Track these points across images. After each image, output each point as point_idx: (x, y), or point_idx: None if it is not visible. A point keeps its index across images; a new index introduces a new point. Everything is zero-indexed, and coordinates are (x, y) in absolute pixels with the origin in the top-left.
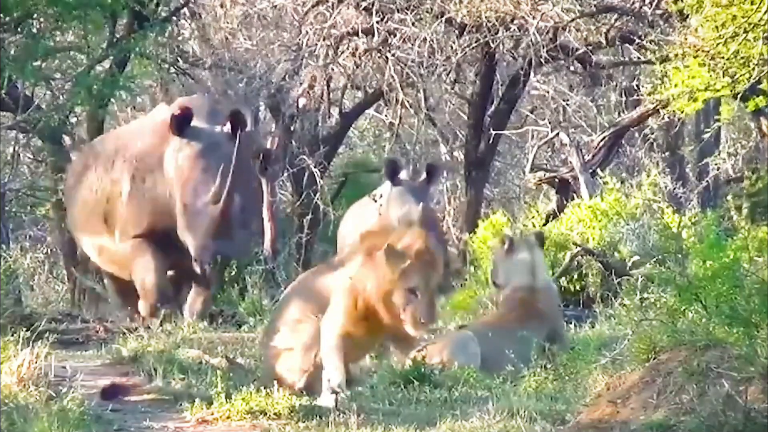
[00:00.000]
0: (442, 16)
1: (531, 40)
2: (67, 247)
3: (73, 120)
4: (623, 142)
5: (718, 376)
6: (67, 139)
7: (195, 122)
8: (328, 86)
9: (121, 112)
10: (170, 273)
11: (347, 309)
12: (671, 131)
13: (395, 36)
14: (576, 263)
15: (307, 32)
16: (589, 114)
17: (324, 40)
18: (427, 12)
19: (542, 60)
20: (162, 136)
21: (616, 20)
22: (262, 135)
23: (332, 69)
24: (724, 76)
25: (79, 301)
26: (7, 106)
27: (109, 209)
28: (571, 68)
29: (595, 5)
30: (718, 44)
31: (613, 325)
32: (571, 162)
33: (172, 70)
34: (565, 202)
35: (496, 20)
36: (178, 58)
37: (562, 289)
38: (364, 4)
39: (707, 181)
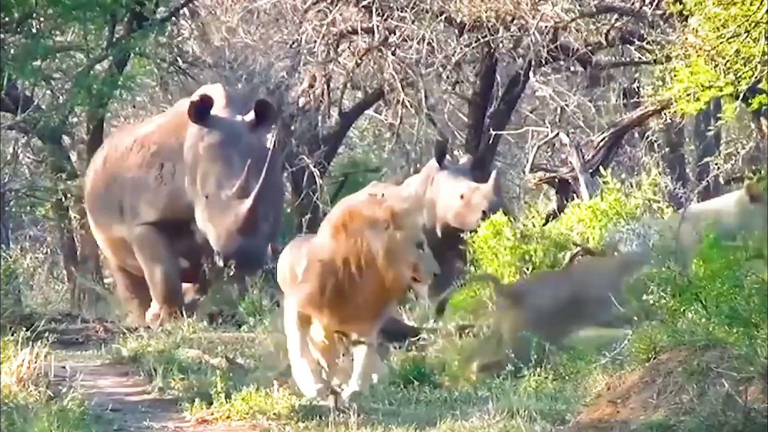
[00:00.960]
0: (441, 16)
1: (531, 40)
2: (67, 247)
3: (73, 120)
4: (623, 142)
5: (718, 376)
6: (67, 139)
7: (215, 111)
8: (328, 86)
9: (122, 111)
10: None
11: (315, 292)
12: (672, 131)
13: (395, 35)
14: (576, 263)
15: (306, 29)
16: (589, 114)
17: (323, 38)
18: (427, 11)
19: (542, 60)
20: (180, 123)
21: (616, 20)
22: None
23: (332, 68)
24: (725, 75)
25: (79, 301)
26: (7, 106)
27: (125, 197)
28: (571, 69)
29: (595, 5)
30: (719, 43)
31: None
32: (571, 162)
33: (172, 69)
34: (565, 202)
35: (496, 20)
36: (178, 58)
37: None
38: (364, 2)
39: (707, 181)
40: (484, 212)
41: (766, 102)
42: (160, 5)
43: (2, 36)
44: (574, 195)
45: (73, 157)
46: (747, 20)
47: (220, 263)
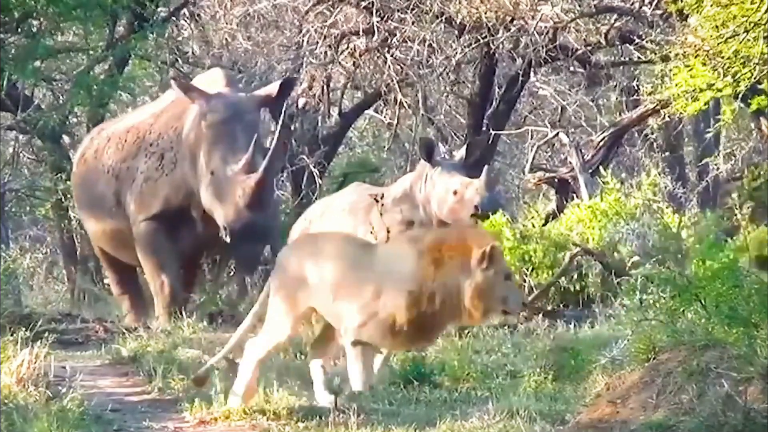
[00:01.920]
0: (441, 16)
1: (531, 40)
2: (67, 247)
3: (73, 120)
4: (623, 142)
5: (717, 376)
6: (67, 139)
7: (216, 89)
8: (328, 86)
9: (121, 112)
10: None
11: (399, 323)
12: (671, 131)
13: (395, 36)
14: (576, 263)
15: (307, 31)
16: (588, 114)
17: (324, 39)
18: (426, 12)
19: (542, 60)
20: (177, 110)
21: (615, 20)
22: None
23: (332, 69)
24: (725, 76)
25: (78, 301)
26: (7, 106)
27: (122, 190)
28: (571, 68)
29: (594, 5)
30: (718, 43)
31: (613, 325)
32: (570, 162)
33: (172, 70)
34: (564, 202)
35: (496, 20)
36: (178, 59)
37: (562, 289)
38: (364, 3)
39: (707, 181)
40: (476, 207)
41: (766, 103)
42: (160, 6)
43: (2, 36)
44: (574, 195)
45: (73, 157)
46: (746, 20)
47: (227, 238)
